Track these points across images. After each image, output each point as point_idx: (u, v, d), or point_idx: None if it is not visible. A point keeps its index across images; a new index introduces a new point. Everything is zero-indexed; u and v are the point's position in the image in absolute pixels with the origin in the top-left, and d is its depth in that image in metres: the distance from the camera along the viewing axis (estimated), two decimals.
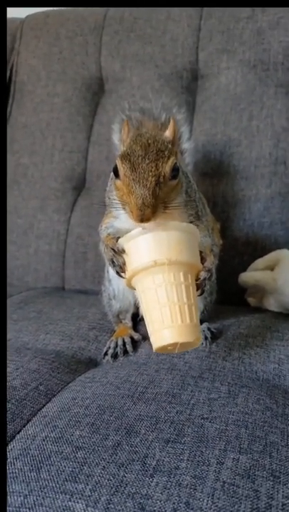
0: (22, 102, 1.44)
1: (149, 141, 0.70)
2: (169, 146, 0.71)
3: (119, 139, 1.03)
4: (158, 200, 0.65)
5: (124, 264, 0.70)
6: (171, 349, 0.66)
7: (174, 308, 0.65)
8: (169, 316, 0.65)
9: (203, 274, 0.71)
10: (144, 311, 0.69)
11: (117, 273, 0.72)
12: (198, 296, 0.71)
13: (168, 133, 0.75)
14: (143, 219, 0.64)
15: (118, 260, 0.71)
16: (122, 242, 0.71)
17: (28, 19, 1.50)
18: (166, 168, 0.67)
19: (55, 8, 1.50)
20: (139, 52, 1.33)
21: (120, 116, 1.04)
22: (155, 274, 0.66)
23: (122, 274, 0.71)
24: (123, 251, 0.70)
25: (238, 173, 1.20)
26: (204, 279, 0.71)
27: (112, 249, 0.72)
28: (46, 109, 1.39)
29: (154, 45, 1.31)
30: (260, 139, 1.19)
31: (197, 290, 0.70)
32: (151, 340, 0.68)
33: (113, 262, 0.71)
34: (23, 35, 1.47)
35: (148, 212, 0.64)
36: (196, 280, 0.70)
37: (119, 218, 0.76)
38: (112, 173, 0.76)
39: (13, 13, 1.54)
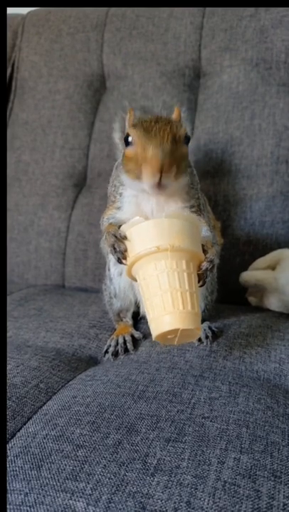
0: (23, 98, 1.44)
1: (158, 116, 0.70)
2: (178, 121, 0.71)
3: (120, 137, 1.03)
4: (174, 158, 0.64)
5: (125, 250, 0.69)
6: (170, 338, 0.65)
7: (176, 295, 0.64)
8: (170, 302, 0.64)
9: (205, 265, 0.70)
10: (144, 299, 0.68)
11: (118, 260, 0.71)
12: (200, 286, 0.70)
13: (174, 116, 0.76)
14: (162, 170, 0.63)
15: (120, 246, 0.70)
16: (124, 229, 0.70)
17: (29, 15, 1.49)
18: (181, 130, 0.67)
19: None
20: (141, 50, 1.32)
21: (121, 115, 1.04)
22: (157, 261, 0.65)
23: (124, 261, 0.70)
24: (125, 237, 0.69)
25: (239, 171, 1.19)
26: (206, 269, 0.70)
27: (114, 235, 0.71)
28: (47, 105, 1.39)
29: (156, 42, 1.31)
30: (261, 137, 1.19)
31: (199, 281, 0.69)
32: (151, 328, 0.67)
33: (114, 248, 0.70)
34: (24, 32, 1.46)
35: (166, 162, 0.62)
36: (198, 270, 0.69)
37: (122, 209, 0.76)
38: (116, 163, 0.76)
39: (14, 9, 1.54)
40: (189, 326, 0.63)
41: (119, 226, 0.72)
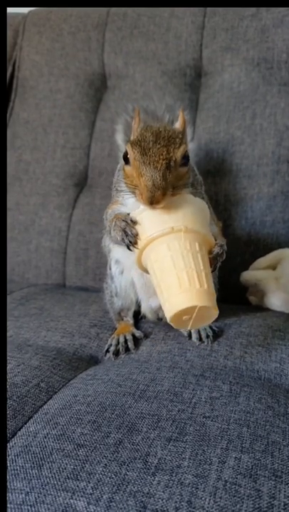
0: (24, 97, 1.44)
1: (160, 129, 0.70)
2: (180, 135, 0.71)
3: (123, 139, 1.03)
4: (168, 183, 0.65)
5: (136, 235, 0.69)
6: (185, 321, 0.64)
7: (192, 273, 0.63)
8: (186, 280, 0.63)
9: (216, 249, 0.70)
10: (157, 281, 0.67)
11: (128, 246, 0.70)
12: (211, 272, 0.69)
13: (178, 125, 0.75)
14: (153, 201, 0.64)
15: (131, 230, 0.69)
16: (134, 215, 0.70)
17: (30, 14, 1.49)
18: (178, 153, 0.67)
19: None
20: (142, 49, 1.32)
21: (124, 117, 1.04)
22: (170, 242, 0.65)
23: (135, 246, 0.69)
24: (136, 222, 0.69)
25: (240, 171, 1.19)
26: (217, 254, 0.70)
27: (124, 220, 0.70)
28: (48, 105, 1.39)
29: (157, 42, 1.31)
30: (263, 137, 1.18)
31: (210, 266, 0.69)
32: (165, 309, 0.65)
33: (126, 232, 0.70)
34: (25, 31, 1.46)
35: (158, 194, 0.64)
36: (210, 254, 0.69)
37: (126, 205, 0.76)
38: (119, 165, 0.76)
39: (15, 8, 1.54)
40: (207, 303, 0.62)
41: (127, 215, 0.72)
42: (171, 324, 0.66)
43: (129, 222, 0.70)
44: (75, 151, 1.35)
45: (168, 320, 0.65)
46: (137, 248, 0.69)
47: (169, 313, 0.64)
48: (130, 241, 0.69)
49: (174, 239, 0.65)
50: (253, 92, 1.21)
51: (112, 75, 1.36)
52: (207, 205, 0.85)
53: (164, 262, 0.65)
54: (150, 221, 0.67)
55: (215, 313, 0.65)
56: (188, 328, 0.67)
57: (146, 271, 0.72)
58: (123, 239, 0.70)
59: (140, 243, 0.68)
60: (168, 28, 1.30)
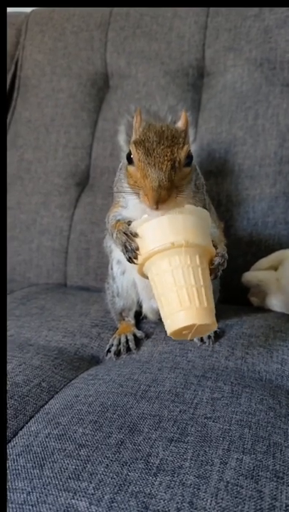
0: (26, 96, 1.44)
1: (163, 129, 0.70)
2: (183, 134, 0.70)
3: (125, 140, 1.03)
4: (173, 184, 0.65)
5: (137, 249, 0.69)
6: (185, 334, 0.65)
7: (192, 291, 0.64)
8: (186, 298, 0.64)
9: (217, 260, 0.71)
10: (158, 295, 0.67)
11: (129, 259, 0.70)
12: (212, 280, 0.70)
13: (180, 124, 0.75)
14: (159, 201, 0.64)
15: (131, 245, 0.69)
16: (135, 227, 0.70)
17: (33, 13, 1.49)
18: (182, 154, 0.67)
19: None
20: (144, 49, 1.32)
21: (126, 118, 1.03)
22: (171, 256, 0.65)
23: (135, 260, 0.70)
24: (136, 235, 0.69)
25: (242, 172, 1.19)
26: (218, 264, 0.71)
27: (125, 233, 0.70)
28: (51, 104, 1.39)
29: (160, 41, 1.31)
30: (265, 138, 1.18)
31: (210, 275, 0.69)
32: (166, 324, 0.66)
33: (126, 247, 0.70)
34: (28, 30, 1.46)
35: (164, 194, 0.64)
36: (211, 265, 0.69)
37: (128, 208, 0.76)
38: (121, 164, 0.75)
39: (18, 8, 1.54)
40: (206, 321, 0.64)
41: (128, 223, 0.72)
42: (171, 337, 0.67)
43: (129, 235, 0.69)
44: (77, 150, 1.35)
45: (168, 334, 0.66)
46: (137, 264, 0.70)
47: (169, 329, 0.66)
48: (130, 256, 0.70)
49: (175, 254, 0.65)
50: (256, 92, 1.21)
51: (115, 74, 1.36)
52: (209, 206, 0.85)
53: (164, 276, 0.66)
54: (151, 234, 0.67)
55: (213, 327, 0.66)
56: (188, 339, 0.68)
57: (146, 277, 0.72)
58: (124, 253, 0.71)
59: (140, 257, 0.68)
60: (171, 27, 1.30)
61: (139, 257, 0.69)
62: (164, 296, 0.66)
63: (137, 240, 0.69)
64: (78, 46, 1.39)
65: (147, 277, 0.71)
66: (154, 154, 0.66)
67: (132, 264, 0.73)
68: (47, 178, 1.35)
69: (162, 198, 0.64)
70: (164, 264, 0.66)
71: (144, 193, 0.66)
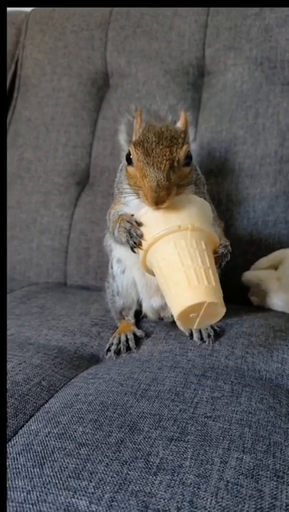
0: (26, 96, 1.44)
1: (163, 129, 0.70)
2: (182, 135, 0.71)
3: (126, 139, 1.03)
4: (172, 183, 0.65)
5: (141, 236, 0.69)
6: (192, 318, 0.64)
7: (200, 271, 0.64)
8: (194, 277, 0.63)
9: (221, 249, 0.71)
10: (164, 279, 0.67)
11: (132, 247, 0.70)
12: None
13: (180, 124, 0.75)
14: (158, 201, 0.64)
15: (136, 231, 0.69)
16: (139, 216, 0.70)
17: (33, 13, 1.49)
18: (181, 153, 0.67)
19: None
20: (145, 48, 1.32)
21: (126, 117, 1.04)
22: (177, 240, 0.65)
23: (139, 247, 0.69)
24: (140, 224, 0.69)
25: (242, 171, 1.19)
26: (222, 253, 0.71)
27: (129, 221, 0.70)
28: (51, 103, 1.39)
29: (160, 40, 1.30)
30: (265, 137, 1.18)
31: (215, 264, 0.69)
32: (173, 306, 0.65)
33: (130, 233, 0.70)
34: (28, 29, 1.46)
35: (163, 194, 0.64)
36: (214, 254, 0.69)
37: (129, 205, 0.76)
38: (121, 165, 0.75)
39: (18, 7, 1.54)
40: (216, 299, 0.63)
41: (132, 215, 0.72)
42: (178, 322, 0.66)
43: (133, 223, 0.70)
44: (77, 149, 1.35)
45: (175, 317, 0.65)
46: (142, 249, 0.69)
47: (177, 309, 0.64)
48: (135, 242, 0.69)
49: (181, 237, 0.65)
50: (256, 91, 1.21)
51: (115, 73, 1.36)
52: (210, 204, 0.85)
53: (171, 259, 0.65)
54: (155, 221, 0.67)
55: (222, 310, 0.65)
56: (194, 327, 0.67)
57: (150, 271, 0.72)
58: (128, 240, 0.70)
59: (145, 244, 0.68)
60: (171, 27, 1.30)
61: (143, 243, 0.68)
62: (171, 279, 0.65)
63: (142, 228, 0.69)
64: (78, 45, 1.39)
65: (150, 271, 0.71)
66: (152, 154, 0.66)
67: (133, 262, 0.73)
68: (47, 177, 1.35)
69: (161, 198, 0.64)
70: (169, 248, 0.65)
71: (143, 192, 0.66)
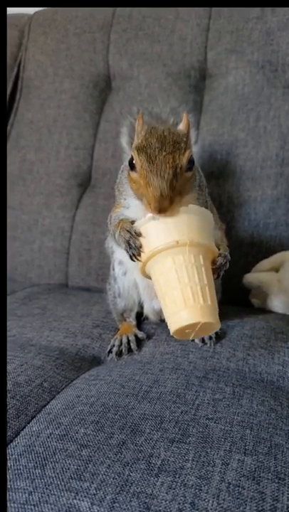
0: (29, 98, 1.44)
1: (165, 133, 0.70)
2: (184, 138, 0.71)
3: (128, 142, 1.03)
4: (175, 191, 0.66)
5: (140, 247, 0.69)
6: (188, 332, 0.65)
7: (196, 289, 0.64)
8: (190, 296, 0.64)
9: (220, 260, 0.71)
10: (162, 294, 0.67)
11: (131, 257, 0.71)
12: (214, 279, 0.70)
13: (182, 126, 0.75)
14: (161, 210, 0.65)
15: (135, 242, 0.70)
16: (138, 226, 0.70)
17: (36, 15, 1.49)
18: (184, 160, 0.67)
19: None
20: (147, 51, 1.32)
21: (129, 120, 1.04)
22: (175, 255, 0.65)
23: (138, 258, 0.70)
24: (140, 234, 0.69)
25: (244, 173, 1.19)
26: (221, 264, 0.71)
27: (129, 231, 0.71)
28: (53, 105, 1.39)
29: (162, 43, 1.31)
30: (266, 139, 1.19)
31: (213, 275, 0.70)
32: (169, 322, 0.66)
33: (129, 244, 0.70)
34: (31, 31, 1.47)
35: (166, 203, 0.65)
36: (213, 265, 0.70)
37: (129, 208, 0.76)
38: (122, 166, 0.75)
39: (21, 9, 1.54)
40: (210, 319, 0.64)
41: (132, 222, 0.73)
42: (174, 336, 0.67)
43: (133, 233, 0.70)
44: (79, 151, 1.35)
45: (171, 332, 0.66)
46: (140, 260, 0.70)
47: (173, 327, 0.65)
48: (134, 253, 0.70)
49: (179, 252, 0.65)
50: (257, 94, 1.21)
51: (117, 76, 1.37)
52: (210, 207, 0.85)
53: (168, 275, 0.66)
54: (155, 233, 0.67)
55: (217, 326, 0.67)
56: (190, 338, 0.68)
57: (149, 278, 0.72)
58: (127, 250, 0.71)
59: (144, 255, 0.69)
60: (173, 29, 1.30)
61: (142, 255, 0.69)
62: (168, 295, 0.66)
63: (141, 239, 0.69)
64: (81, 48, 1.39)
65: (149, 277, 0.71)
66: (156, 162, 0.66)
67: (134, 264, 0.73)
68: (49, 179, 1.36)
69: (164, 207, 0.65)
70: (167, 263, 0.66)
71: (146, 200, 0.66)
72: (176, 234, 0.66)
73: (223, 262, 0.71)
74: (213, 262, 0.70)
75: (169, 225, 0.66)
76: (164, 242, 0.66)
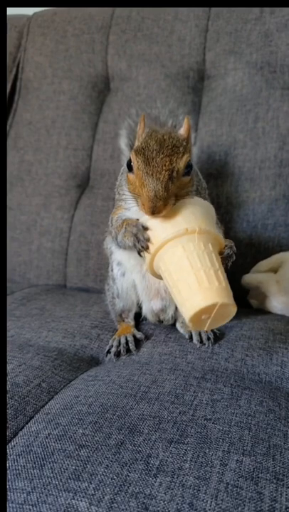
0: (27, 98, 1.44)
1: (165, 137, 0.70)
2: (184, 143, 0.71)
3: (126, 144, 1.03)
4: (170, 194, 0.66)
5: (148, 239, 0.69)
6: (204, 319, 0.64)
7: (209, 272, 0.63)
8: (205, 279, 0.63)
9: (227, 250, 0.71)
10: (173, 282, 0.66)
11: (139, 251, 0.70)
12: None
13: (182, 131, 0.75)
14: (154, 211, 0.65)
15: (143, 235, 0.69)
16: (144, 220, 0.70)
17: (35, 16, 1.50)
18: (181, 164, 0.67)
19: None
20: (145, 52, 1.32)
21: (127, 121, 1.04)
22: (185, 243, 0.65)
23: (146, 251, 0.69)
24: (146, 228, 0.69)
25: (242, 174, 1.20)
26: (228, 254, 0.71)
27: (135, 226, 0.71)
28: (52, 106, 1.39)
29: (161, 44, 1.31)
30: (265, 140, 1.19)
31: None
32: (184, 309, 0.65)
33: (137, 237, 0.70)
34: (30, 32, 1.47)
35: (160, 205, 0.65)
36: (220, 255, 0.70)
37: (130, 210, 0.76)
38: (122, 168, 0.75)
39: (20, 10, 1.54)
40: (228, 300, 0.62)
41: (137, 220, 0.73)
42: (189, 325, 0.65)
43: (140, 227, 0.70)
44: (78, 152, 1.35)
45: (187, 320, 0.64)
46: (149, 253, 0.69)
47: (189, 312, 0.63)
48: (142, 246, 0.69)
49: (189, 240, 0.65)
50: (256, 95, 1.21)
51: (116, 77, 1.37)
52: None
53: (180, 262, 0.65)
54: (162, 225, 0.67)
55: (233, 310, 0.65)
56: (205, 329, 0.67)
57: (156, 275, 0.72)
58: (135, 244, 0.70)
59: (152, 247, 0.68)
60: (172, 30, 1.31)
61: (150, 247, 0.69)
62: (181, 282, 0.65)
63: (148, 232, 0.69)
64: (79, 49, 1.39)
65: (157, 275, 0.71)
66: (152, 163, 0.66)
67: (133, 265, 0.73)
68: (47, 180, 1.36)
69: (158, 208, 0.65)
70: (178, 251, 0.65)
71: (141, 201, 0.67)
72: (183, 222, 0.66)
73: (230, 253, 0.71)
74: (220, 253, 0.70)
75: (174, 215, 0.66)
76: (173, 230, 0.66)
